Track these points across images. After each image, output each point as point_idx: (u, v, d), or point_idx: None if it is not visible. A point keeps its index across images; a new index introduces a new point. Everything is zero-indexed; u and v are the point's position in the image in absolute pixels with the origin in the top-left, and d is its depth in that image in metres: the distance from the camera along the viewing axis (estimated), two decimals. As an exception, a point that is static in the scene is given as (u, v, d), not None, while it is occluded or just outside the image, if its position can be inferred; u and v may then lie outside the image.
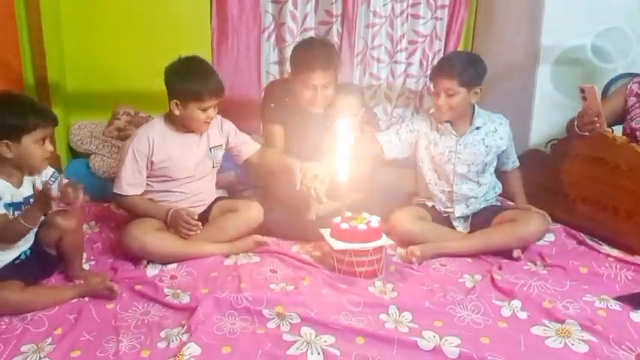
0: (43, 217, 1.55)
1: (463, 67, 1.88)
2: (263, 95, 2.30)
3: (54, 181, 1.64)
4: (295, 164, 1.89)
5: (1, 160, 1.49)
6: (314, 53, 1.98)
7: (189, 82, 1.79)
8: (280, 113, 2.16)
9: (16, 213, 1.51)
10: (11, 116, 1.46)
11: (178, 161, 1.89)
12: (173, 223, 1.83)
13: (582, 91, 1.97)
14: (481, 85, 1.92)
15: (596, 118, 1.96)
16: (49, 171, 1.65)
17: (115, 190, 1.86)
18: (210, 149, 1.96)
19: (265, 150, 2.11)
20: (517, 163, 2.13)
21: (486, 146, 1.98)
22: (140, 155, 1.84)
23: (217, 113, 1.92)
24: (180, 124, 1.89)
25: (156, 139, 1.86)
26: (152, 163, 1.86)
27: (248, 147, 2.07)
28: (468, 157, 1.98)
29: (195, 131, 1.91)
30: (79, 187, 1.45)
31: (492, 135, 1.99)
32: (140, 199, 1.89)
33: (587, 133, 2.04)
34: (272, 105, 2.18)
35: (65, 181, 1.46)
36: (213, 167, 2.00)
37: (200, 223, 1.84)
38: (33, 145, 1.48)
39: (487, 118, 2.01)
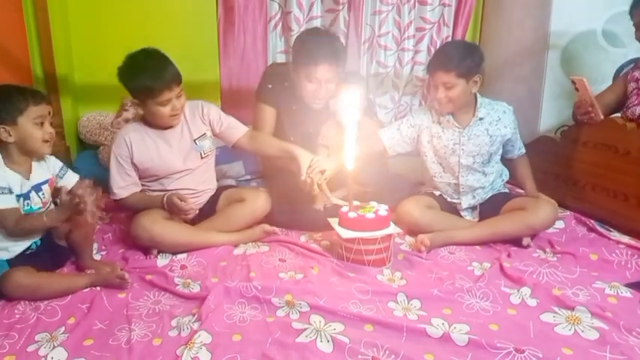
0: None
1: (459, 59, 1.83)
2: (262, 75, 2.22)
3: (63, 175, 1.66)
4: (301, 154, 1.85)
5: (6, 147, 1.51)
6: (320, 46, 1.91)
7: (138, 79, 1.72)
8: (276, 96, 2.10)
9: (26, 202, 1.53)
10: (0, 101, 1.49)
11: (162, 159, 1.85)
12: (170, 210, 1.82)
13: (574, 82, 1.96)
14: (480, 74, 1.87)
15: (590, 109, 1.95)
16: (57, 164, 1.66)
17: (110, 197, 1.85)
18: (194, 141, 1.90)
19: (257, 134, 2.04)
20: (523, 150, 2.10)
21: (490, 136, 1.95)
22: (123, 158, 1.82)
23: (216, 102, 1.88)
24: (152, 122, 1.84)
25: (133, 139, 1.82)
26: (134, 165, 1.83)
27: (235, 131, 1.98)
28: (472, 148, 1.95)
29: (167, 127, 1.85)
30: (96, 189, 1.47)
31: (496, 124, 1.96)
32: (135, 197, 1.87)
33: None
34: (269, 86, 2.11)
35: (86, 181, 1.48)
36: (202, 158, 1.93)
37: (194, 206, 1.83)
38: (31, 126, 1.51)
39: (490, 107, 1.97)
